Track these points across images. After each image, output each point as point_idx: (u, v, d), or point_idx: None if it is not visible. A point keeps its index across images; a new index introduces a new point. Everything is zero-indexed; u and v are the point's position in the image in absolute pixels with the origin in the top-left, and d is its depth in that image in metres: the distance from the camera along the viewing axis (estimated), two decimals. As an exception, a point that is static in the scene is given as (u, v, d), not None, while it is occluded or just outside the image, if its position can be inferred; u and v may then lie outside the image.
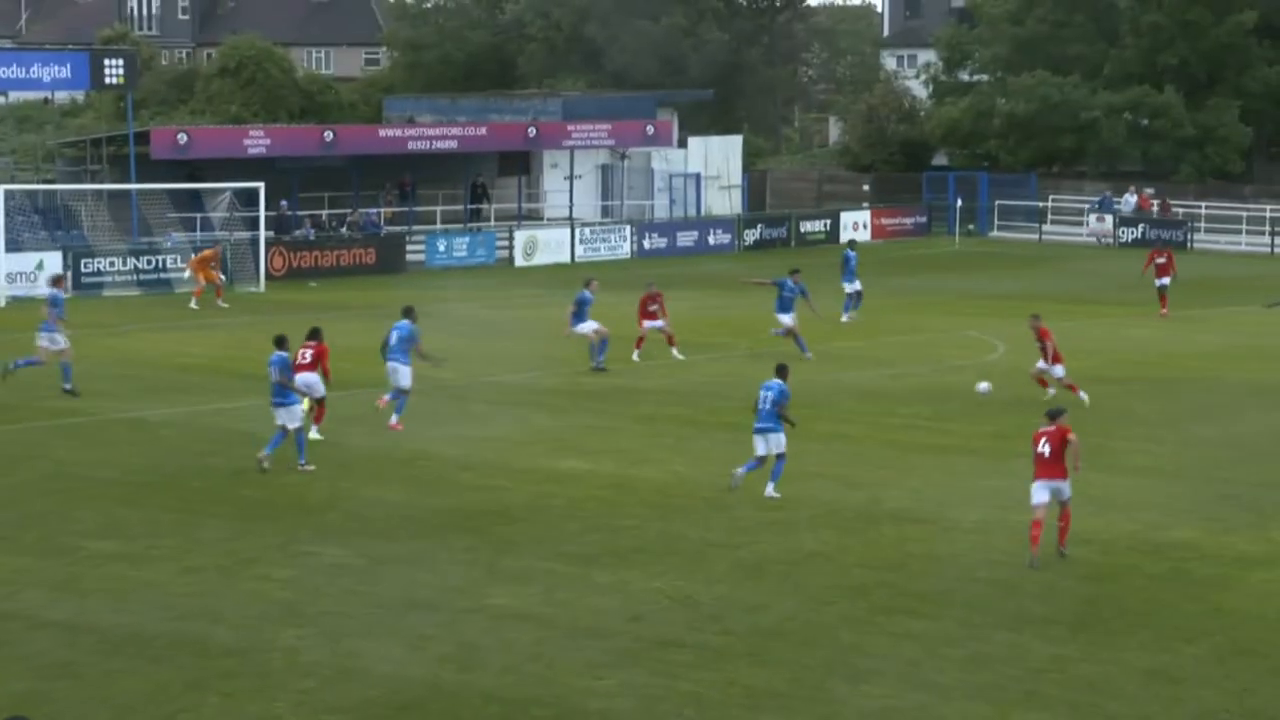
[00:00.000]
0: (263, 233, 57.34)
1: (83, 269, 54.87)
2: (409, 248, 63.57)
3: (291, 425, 28.27)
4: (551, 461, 29.20)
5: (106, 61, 60.88)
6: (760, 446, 26.63)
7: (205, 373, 38.12)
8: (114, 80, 61.04)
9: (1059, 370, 34.73)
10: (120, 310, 50.17)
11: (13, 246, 53.62)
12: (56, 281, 37.79)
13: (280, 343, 28.84)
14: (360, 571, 22.39)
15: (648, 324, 40.20)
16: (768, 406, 26.54)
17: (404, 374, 31.89)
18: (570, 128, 72.48)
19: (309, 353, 30.36)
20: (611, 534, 24.46)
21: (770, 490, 26.65)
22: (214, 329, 45.44)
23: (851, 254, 48.07)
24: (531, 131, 71.08)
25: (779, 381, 26.78)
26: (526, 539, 24.13)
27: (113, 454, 29.63)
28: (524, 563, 22.86)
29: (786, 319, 40.43)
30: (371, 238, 63.53)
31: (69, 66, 60.50)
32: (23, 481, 27.49)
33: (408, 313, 32.57)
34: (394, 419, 31.80)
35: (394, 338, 31.91)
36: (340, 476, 27.88)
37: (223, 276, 52.48)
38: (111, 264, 55.36)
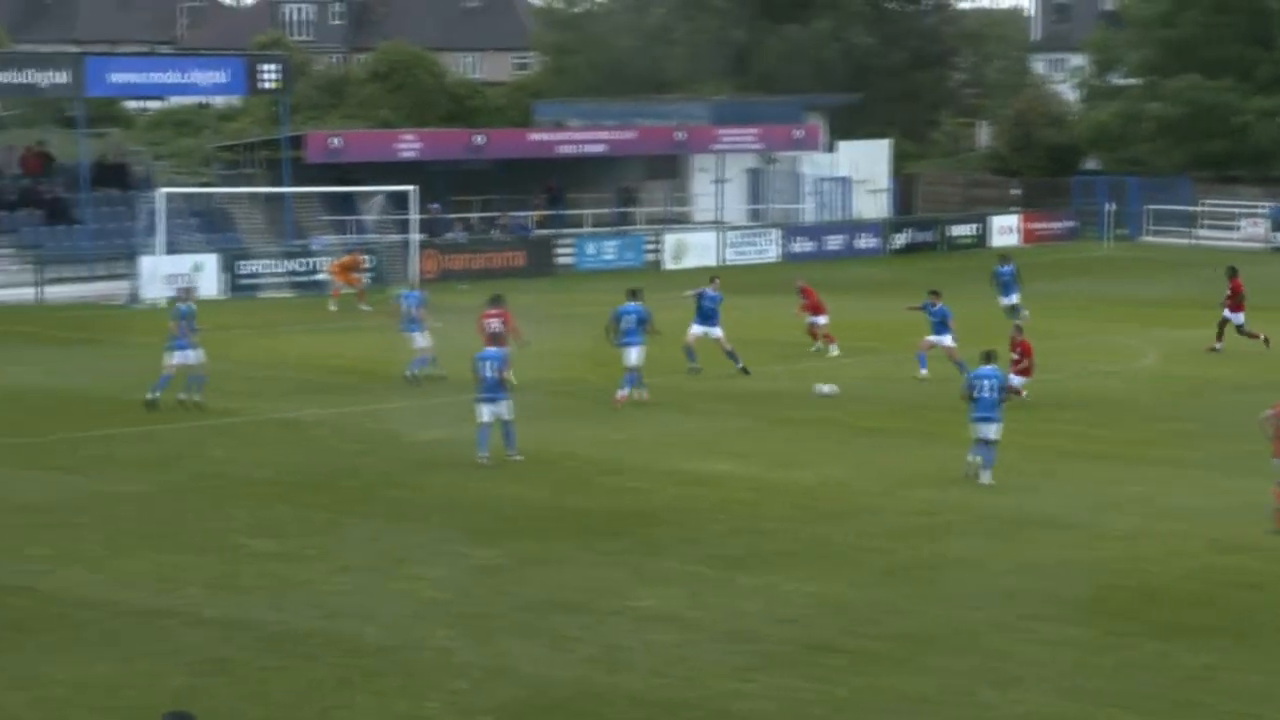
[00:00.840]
0: (414, 235, 57.79)
1: (238, 271, 55.61)
2: (558, 250, 63.80)
3: (507, 417, 28.94)
4: (696, 464, 29.18)
5: (262, 67, 61.63)
6: (990, 431, 27.38)
7: (357, 374, 38.50)
8: (269, 85, 61.78)
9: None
10: (274, 312, 50.78)
11: (171, 248, 54.56)
12: (415, 286, 40.05)
13: (496, 338, 29.61)
14: (507, 572, 22.50)
15: (816, 319, 41.30)
16: (993, 394, 27.41)
17: (636, 354, 34.24)
18: (718, 132, 72.44)
19: (498, 323, 31.49)
20: (757, 537, 24.40)
21: (987, 478, 27.40)
22: (365, 331, 45.83)
23: (1005, 269, 46.71)
24: (680, 135, 71.09)
25: (993, 368, 27.77)
26: (671, 541, 24.12)
27: (267, 453, 30.01)
28: (669, 565, 22.85)
29: (939, 341, 39.57)
30: (521, 240, 63.88)
31: (226, 72, 61.30)
32: (181, 480, 27.92)
33: (635, 295, 35.01)
34: (623, 392, 34.08)
35: (632, 321, 34.27)
36: (487, 477, 28.05)
37: (364, 280, 52.54)
38: (266, 266, 56.08)
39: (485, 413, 28.96)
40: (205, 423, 32.71)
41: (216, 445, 30.71)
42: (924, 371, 37.47)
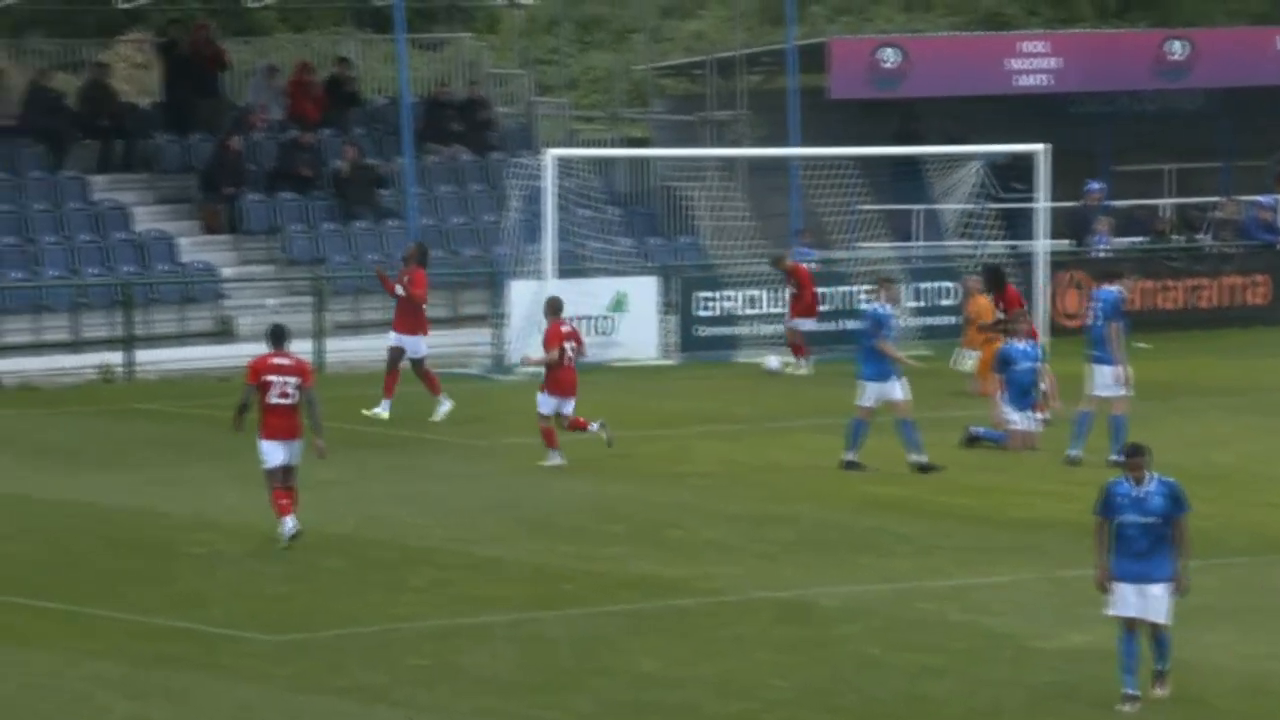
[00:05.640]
0: (1042, 243, 57.60)
1: (696, 309, 56.30)
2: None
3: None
4: None
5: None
6: None
7: (916, 513, 38.69)
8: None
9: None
10: (778, 393, 51.40)
11: (567, 265, 55.21)
12: None
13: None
14: None
15: None
16: None
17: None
18: None
19: None
20: None
21: None
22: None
23: None
24: None
25: None
26: None
27: (741, 668, 30.06)
28: None
29: None
30: (1262, 252, 63.32)
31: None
32: None
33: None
34: None
35: None
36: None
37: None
38: (750, 301, 56.64)
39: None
40: (621, 607, 33.20)
41: (642, 647, 31.08)
42: None
